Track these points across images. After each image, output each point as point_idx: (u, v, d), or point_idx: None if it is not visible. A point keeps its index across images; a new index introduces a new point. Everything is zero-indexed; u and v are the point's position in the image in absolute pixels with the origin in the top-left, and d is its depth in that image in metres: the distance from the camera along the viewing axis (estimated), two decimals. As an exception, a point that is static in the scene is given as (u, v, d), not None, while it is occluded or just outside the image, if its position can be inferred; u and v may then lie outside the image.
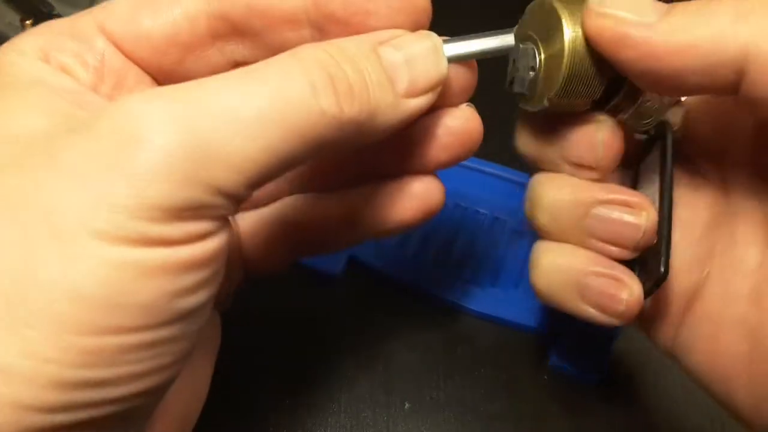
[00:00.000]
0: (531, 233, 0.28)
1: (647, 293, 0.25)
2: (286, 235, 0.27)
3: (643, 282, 0.25)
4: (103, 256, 0.16)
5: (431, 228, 0.39)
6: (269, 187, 0.27)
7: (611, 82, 0.24)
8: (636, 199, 0.25)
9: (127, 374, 0.17)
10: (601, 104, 0.25)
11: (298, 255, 0.28)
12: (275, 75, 0.19)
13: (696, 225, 0.26)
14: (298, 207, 0.27)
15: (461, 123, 0.25)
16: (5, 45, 0.21)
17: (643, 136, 0.27)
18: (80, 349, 0.16)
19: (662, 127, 0.26)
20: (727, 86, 0.21)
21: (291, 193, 0.28)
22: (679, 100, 0.26)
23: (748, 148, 0.25)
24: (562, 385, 0.36)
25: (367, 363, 0.36)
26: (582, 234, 0.26)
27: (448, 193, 0.27)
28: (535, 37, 0.24)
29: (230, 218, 0.20)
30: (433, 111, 0.24)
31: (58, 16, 0.42)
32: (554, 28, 0.23)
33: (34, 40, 0.21)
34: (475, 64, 0.24)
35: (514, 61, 0.24)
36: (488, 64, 0.24)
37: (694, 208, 0.26)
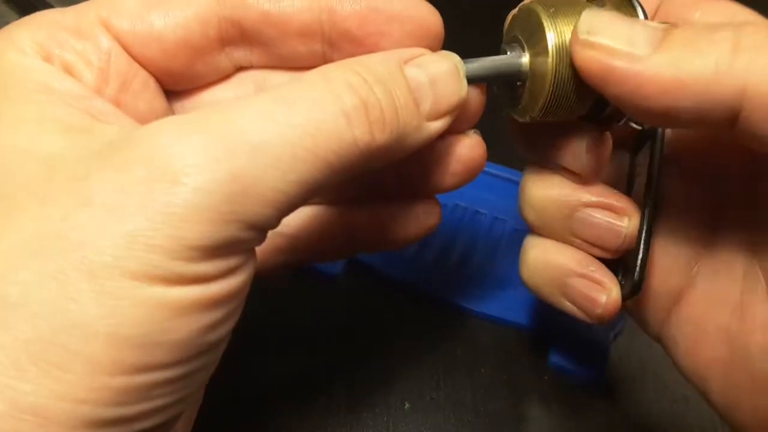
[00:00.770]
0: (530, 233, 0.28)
1: (625, 297, 0.26)
2: (286, 245, 0.27)
3: (623, 285, 0.26)
4: (139, 296, 0.16)
5: (431, 228, 0.39)
6: None
7: (599, 100, 0.23)
8: (621, 204, 0.25)
9: (154, 408, 0.17)
10: (590, 117, 0.24)
11: (295, 264, 0.28)
12: (308, 103, 0.18)
13: (686, 223, 0.26)
14: (300, 220, 0.27)
15: (469, 151, 0.25)
16: (2, 38, 0.20)
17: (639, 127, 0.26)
18: (114, 389, 0.16)
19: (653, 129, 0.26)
20: (721, 123, 0.19)
21: None
22: None
23: (738, 159, 0.24)
24: (562, 384, 0.36)
25: (367, 363, 0.36)
26: (567, 233, 0.26)
27: (449, 193, 0.27)
28: (523, 42, 0.23)
29: None
30: (443, 136, 0.23)
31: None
32: (539, 44, 0.22)
33: (34, 34, 0.20)
34: (485, 87, 0.24)
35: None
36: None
37: (685, 204, 0.26)
